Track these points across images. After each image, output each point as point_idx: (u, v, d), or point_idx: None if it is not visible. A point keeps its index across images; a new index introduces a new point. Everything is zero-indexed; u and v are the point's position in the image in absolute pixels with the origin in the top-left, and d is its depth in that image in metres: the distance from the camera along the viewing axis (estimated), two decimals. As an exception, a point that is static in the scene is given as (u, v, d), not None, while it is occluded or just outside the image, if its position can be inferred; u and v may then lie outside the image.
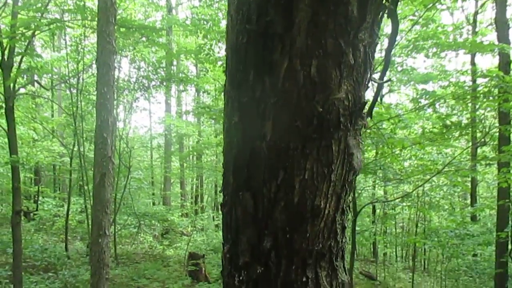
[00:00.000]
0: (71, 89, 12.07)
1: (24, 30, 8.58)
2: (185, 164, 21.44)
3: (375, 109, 8.49)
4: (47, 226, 14.42)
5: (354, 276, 10.13)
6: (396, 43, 10.10)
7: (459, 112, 10.03)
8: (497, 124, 8.97)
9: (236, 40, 1.22)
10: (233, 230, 1.32)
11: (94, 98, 7.21)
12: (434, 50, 10.91)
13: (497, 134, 9.04)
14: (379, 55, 10.84)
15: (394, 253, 16.23)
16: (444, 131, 8.12)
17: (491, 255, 9.94)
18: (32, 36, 9.22)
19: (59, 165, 16.67)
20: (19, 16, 8.75)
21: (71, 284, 9.22)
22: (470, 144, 11.84)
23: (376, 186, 13.42)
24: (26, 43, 9.04)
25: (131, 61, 13.37)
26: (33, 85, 15.58)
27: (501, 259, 8.57)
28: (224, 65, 1.33)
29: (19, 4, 9.44)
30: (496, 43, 8.98)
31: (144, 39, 10.64)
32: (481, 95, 7.87)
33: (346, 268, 1.43)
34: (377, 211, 14.81)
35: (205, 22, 11.46)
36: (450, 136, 8.84)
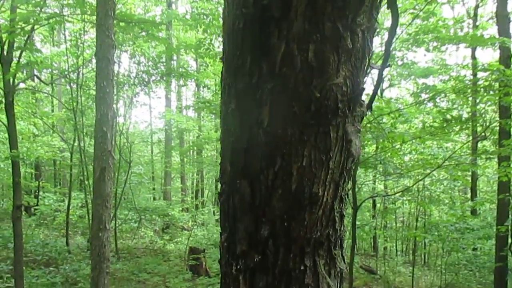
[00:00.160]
0: (71, 84, 12.05)
1: (23, 25, 8.55)
2: (185, 159, 21.45)
3: (376, 103, 8.50)
4: (48, 221, 14.44)
5: (355, 270, 10.15)
6: (397, 36, 10.07)
7: (459, 106, 10.00)
8: (497, 118, 8.95)
9: (232, 25, 1.20)
10: (231, 219, 1.31)
11: (94, 92, 7.19)
12: (435, 44, 10.88)
13: (498, 128, 9.02)
14: (379, 49, 10.81)
15: (394, 247, 16.25)
16: (445, 125, 8.11)
17: (491, 249, 9.95)
18: (32, 31, 9.19)
19: (59, 160, 16.68)
20: (18, 10, 8.70)
21: (72, 279, 9.25)
22: (471, 138, 11.83)
23: (377, 180, 13.42)
24: (25, 38, 9.02)
25: (131, 56, 13.34)
26: (33, 80, 15.56)
27: (501, 253, 8.57)
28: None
29: (18, -2, 9.39)
30: (497, 37, 8.94)
31: (144, 33, 10.60)
32: (482, 89, 7.85)
33: (345, 258, 1.42)
34: (378, 205, 14.81)
35: (205, 17, 11.43)
36: (451, 131, 8.83)
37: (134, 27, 10.17)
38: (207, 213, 16.71)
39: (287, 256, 1.24)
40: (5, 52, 7.99)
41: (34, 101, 15.85)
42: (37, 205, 13.10)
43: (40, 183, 14.61)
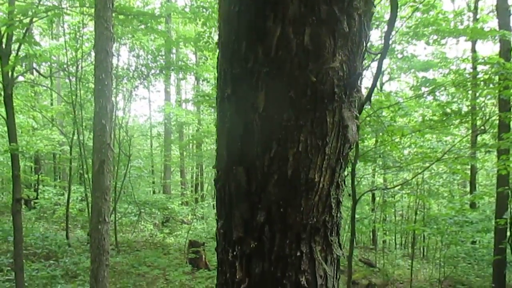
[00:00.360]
0: (70, 77, 12.02)
1: (21, 17, 8.51)
2: (185, 153, 21.45)
3: (375, 97, 8.48)
4: (47, 214, 14.48)
5: (354, 263, 10.19)
6: (397, 30, 10.03)
7: (459, 100, 10.00)
8: (497, 112, 8.94)
9: (228, 9, 1.19)
10: (227, 205, 1.30)
11: (93, 86, 7.17)
12: (435, 37, 10.85)
13: (497, 121, 9.02)
14: (379, 42, 10.77)
15: (394, 240, 16.31)
16: (444, 118, 8.10)
17: (490, 242, 9.99)
18: (30, 23, 9.15)
19: (59, 154, 16.69)
20: (16, 3, 8.66)
21: (72, 272, 9.28)
22: (470, 131, 11.83)
23: (376, 174, 13.43)
24: (24, 31, 8.98)
25: (130, 49, 13.30)
26: (32, 74, 15.52)
27: (500, 246, 8.60)
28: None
29: (16, -10, 9.34)
30: (497, 30, 8.91)
31: (143, 26, 10.55)
32: (482, 82, 7.84)
33: (341, 245, 1.42)
34: (377, 199, 14.83)
35: (204, 10, 11.36)
36: (450, 124, 8.82)
37: (133, 20, 10.13)
38: (206, 206, 16.72)
39: (283, 242, 1.24)
40: (3, 45, 7.96)
41: (33, 94, 15.83)
42: (36, 198, 13.12)
43: (40, 176, 14.63)
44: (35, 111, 13.81)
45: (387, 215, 14.93)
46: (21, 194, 8.06)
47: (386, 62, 14.11)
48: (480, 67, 8.43)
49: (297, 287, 1.25)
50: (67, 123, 16.61)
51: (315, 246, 1.27)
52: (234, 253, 1.29)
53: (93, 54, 9.68)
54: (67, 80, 12.91)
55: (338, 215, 1.32)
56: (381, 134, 8.63)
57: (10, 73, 8.10)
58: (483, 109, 9.47)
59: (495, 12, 9.86)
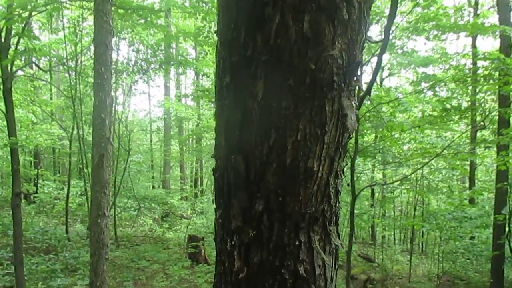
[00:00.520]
0: (70, 71, 12.00)
1: (21, 11, 8.48)
2: (184, 148, 21.45)
3: (375, 92, 8.47)
4: (47, 209, 14.49)
5: (353, 258, 10.20)
6: (397, 25, 10.00)
7: (459, 96, 9.99)
8: (497, 108, 8.93)
9: (227, -4, 1.18)
10: (225, 195, 1.30)
11: (93, 80, 7.16)
12: (435, 32, 10.82)
13: (497, 117, 9.02)
14: (380, 37, 10.73)
15: (393, 236, 16.34)
16: (444, 114, 8.10)
17: (489, 238, 10.01)
18: (29, 17, 9.12)
19: (58, 148, 16.68)
20: (15, -4, 8.62)
21: (71, 266, 9.30)
22: (470, 127, 11.83)
23: (375, 169, 13.44)
24: (23, 25, 8.95)
25: (130, 43, 13.26)
26: (31, 68, 15.49)
27: (498, 242, 8.62)
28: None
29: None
30: (498, 25, 8.89)
31: (142, 21, 10.51)
32: (482, 78, 7.83)
33: (340, 235, 1.42)
34: (376, 194, 14.85)
35: (204, 4, 11.32)
36: (450, 120, 8.82)
37: (133, 14, 10.08)
38: (206, 201, 16.73)
39: (281, 231, 1.23)
40: (2, 39, 7.94)
41: (32, 88, 15.79)
42: (36, 193, 13.10)
43: (39, 171, 14.59)
44: (34, 105, 13.79)
45: (386, 211, 14.95)
46: (21, 188, 8.06)
47: (386, 57, 14.09)
48: (480, 63, 8.42)
49: (295, 276, 1.25)
50: (67, 118, 16.59)
51: (313, 236, 1.27)
52: (233, 242, 1.29)
53: (92, 48, 9.66)
54: (66, 75, 12.88)
55: (337, 204, 1.32)
56: (380, 129, 8.63)
57: (9, 67, 8.08)
58: (483, 104, 9.47)
59: (496, 8, 9.84)
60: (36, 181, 14.34)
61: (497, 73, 7.33)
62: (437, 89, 9.28)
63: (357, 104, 1.24)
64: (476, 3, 13.06)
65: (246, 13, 1.15)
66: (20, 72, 12.24)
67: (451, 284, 10.57)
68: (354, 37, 1.17)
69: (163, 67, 13.35)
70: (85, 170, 11.87)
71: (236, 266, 1.28)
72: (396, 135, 8.81)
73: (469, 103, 10.30)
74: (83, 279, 8.21)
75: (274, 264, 1.25)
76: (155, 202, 14.92)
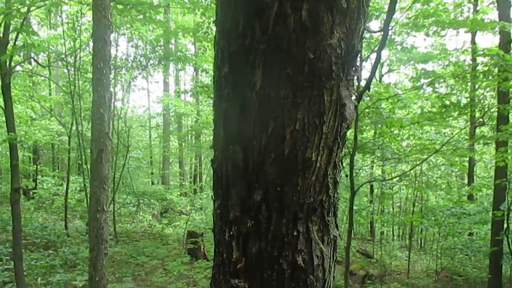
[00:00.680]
0: (69, 67, 11.97)
1: (19, 6, 8.44)
2: (183, 144, 21.46)
3: (375, 88, 8.47)
4: (46, 204, 14.50)
5: (351, 254, 10.24)
6: (396, 21, 9.98)
7: (458, 92, 9.98)
8: (496, 104, 8.93)
9: (225, -15, 1.18)
10: (224, 185, 1.30)
11: (91, 75, 7.15)
12: (435, 28, 10.78)
13: (496, 113, 9.01)
14: (379, 34, 10.71)
15: (391, 232, 16.38)
16: (443, 110, 8.10)
17: (487, 234, 10.03)
18: (28, 12, 9.08)
19: (57, 144, 16.67)
20: (13, -9, 8.58)
21: (71, 261, 9.32)
22: (469, 123, 11.84)
23: (374, 165, 13.46)
24: (21, 20, 8.92)
25: (129, 39, 13.23)
26: (30, 63, 15.45)
27: (497, 238, 8.64)
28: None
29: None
30: (497, 21, 8.88)
31: (141, 16, 10.48)
32: (481, 74, 7.83)
33: (338, 226, 1.42)
34: (375, 190, 14.87)
35: (203, 0, 11.29)
36: (449, 116, 8.82)
37: (132, 9, 10.05)
38: (205, 197, 16.76)
39: (280, 222, 1.23)
40: (1, 34, 7.92)
41: (31, 84, 15.75)
42: (35, 188, 13.11)
43: (38, 166, 14.59)
44: (33, 101, 13.76)
45: (385, 207, 14.99)
46: (20, 184, 8.05)
47: (385, 53, 14.07)
48: (479, 59, 8.40)
49: (293, 266, 1.26)
50: (66, 113, 16.55)
51: (312, 226, 1.27)
52: (231, 233, 1.29)
53: (91, 44, 9.63)
54: (65, 70, 12.85)
55: (335, 195, 1.32)
56: (379, 125, 8.63)
57: (8, 63, 8.06)
58: (482, 101, 9.47)
59: (496, 4, 9.83)
60: (35, 177, 14.35)
61: (496, 69, 7.33)
62: (436, 85, 9.26)
63: (356, 94, 1.24)
64: (476, -1, 13.02)
65: (244, 2, 1.14)
66: (18, 68, 12.22)
67: (450, 280, 10.61)
68: (352, 26, 1.17)
69: (162, 63, 13.34)
70: (84, 166, 11.87)
71: (234, 257, 1.28)
72: (395, 131, 8.83)
73: (468, 99, 10.29)
74: (82, 275, 8.22)
75: (272, 254, 1.25)
76: (154, 198, 14.94)
